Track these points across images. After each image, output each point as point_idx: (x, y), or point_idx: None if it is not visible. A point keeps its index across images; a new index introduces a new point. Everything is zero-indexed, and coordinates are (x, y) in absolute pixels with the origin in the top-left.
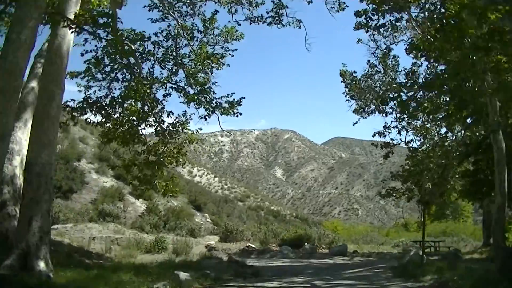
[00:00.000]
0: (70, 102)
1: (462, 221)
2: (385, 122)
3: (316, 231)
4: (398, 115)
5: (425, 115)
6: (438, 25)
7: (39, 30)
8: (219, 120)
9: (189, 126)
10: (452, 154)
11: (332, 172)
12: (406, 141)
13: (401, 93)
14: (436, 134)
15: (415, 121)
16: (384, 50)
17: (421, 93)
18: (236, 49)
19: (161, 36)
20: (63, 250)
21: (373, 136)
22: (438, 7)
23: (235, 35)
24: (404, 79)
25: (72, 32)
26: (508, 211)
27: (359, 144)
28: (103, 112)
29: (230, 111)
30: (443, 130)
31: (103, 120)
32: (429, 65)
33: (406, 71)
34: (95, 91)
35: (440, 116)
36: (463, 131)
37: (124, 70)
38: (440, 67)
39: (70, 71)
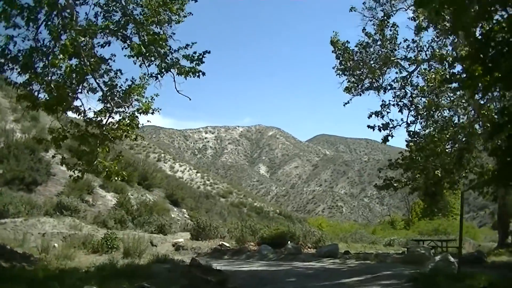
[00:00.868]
0: None
1: (451, 218)
2: (383, 100)
3: (301, 228)
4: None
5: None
6: None
7: None
8: (174, 81)
9: (143, 92)
10: (465, 135)
11: (316, 169)
12: (408, 122)
13: (401, 69)
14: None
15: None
16: (383, 17)
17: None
18: None
19: None
20: None
21: (369, 117)
22: None
23: None
24: (406, 52)
25: None
26: None
27: (344, 141)
28: (30, 70)
29: (190, 70)
30: (446, 113)
31: (29, 80)
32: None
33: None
34: (16, 42)
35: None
36: (496, 101)
37: (54, 15)
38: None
39: None
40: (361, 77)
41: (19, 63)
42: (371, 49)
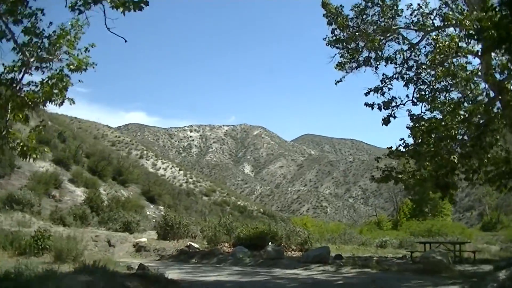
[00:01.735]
0: None
1: (441, 219)
2: (384, 74)
3: (284, 228)
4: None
5: None
6: None
7: None
8: (105, 15)
9: (76, 43)
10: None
11: (301, 169)
12: (414, 100)
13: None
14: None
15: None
16: None
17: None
18: None
19: None
20: None
21: (366, 95)
22: None
23: None
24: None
25: None
26: None
27: (329, 141)
28: None
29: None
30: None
31: None
32: None
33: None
34: None
35: None
36: None
37: None
38: None
39: None
40: (356, 48)
41: None
42: (369, 16)
